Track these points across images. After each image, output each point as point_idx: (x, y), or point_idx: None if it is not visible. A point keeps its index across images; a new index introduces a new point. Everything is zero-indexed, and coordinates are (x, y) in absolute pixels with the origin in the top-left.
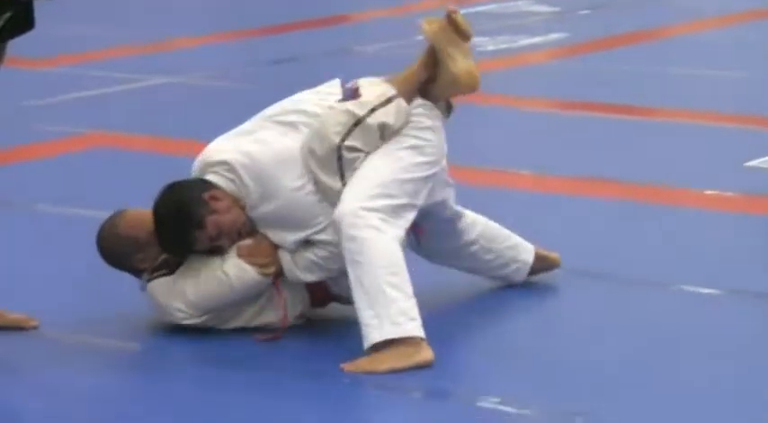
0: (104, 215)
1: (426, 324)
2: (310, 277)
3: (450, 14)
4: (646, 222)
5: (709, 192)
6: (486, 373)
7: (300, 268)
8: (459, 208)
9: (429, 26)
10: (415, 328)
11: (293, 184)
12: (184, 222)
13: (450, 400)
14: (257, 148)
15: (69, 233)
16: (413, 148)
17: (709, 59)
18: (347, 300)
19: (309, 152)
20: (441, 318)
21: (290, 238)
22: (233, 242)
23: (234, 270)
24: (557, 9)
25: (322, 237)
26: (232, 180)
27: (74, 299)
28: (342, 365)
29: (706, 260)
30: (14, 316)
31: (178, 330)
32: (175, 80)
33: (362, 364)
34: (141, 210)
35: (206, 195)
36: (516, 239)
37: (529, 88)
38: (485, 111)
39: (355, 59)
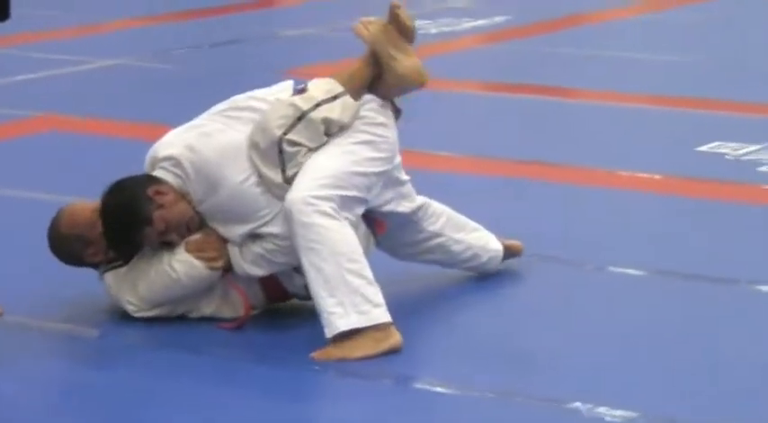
0: (57, 199)
1: (392, 310)
2: (257, 271)
3: (393, 10)
4: (588, 206)
5: (658, 176)
6: (450, 359)
7: (248, 262)
8: (421, 198)
9: (366, 29)
10: (381, 314)
11: (237, 177)
12: (131, 220)
13: (419, 385)
14: (202, 141)
15: (23, 217)
16: (366, 143)
17: (652, 43)
18: (305, 296)
19: (252, 145)
20: (406, 304)
21: (237, 231)
22: (182, 237)
23: (181, 265)
24: None
25: (268, 229)
26: (178, 175)
27: (32, 284)
28: (311, 354)
29: (658, 243)
30: None
31: (130, 317)
32: (118, 62)
33: (332, 351)
34: (81, 204)
35: (150, 191)
36: (482, 230)
37: (471, 72)
38: (426, 95)
39: (288, 43)
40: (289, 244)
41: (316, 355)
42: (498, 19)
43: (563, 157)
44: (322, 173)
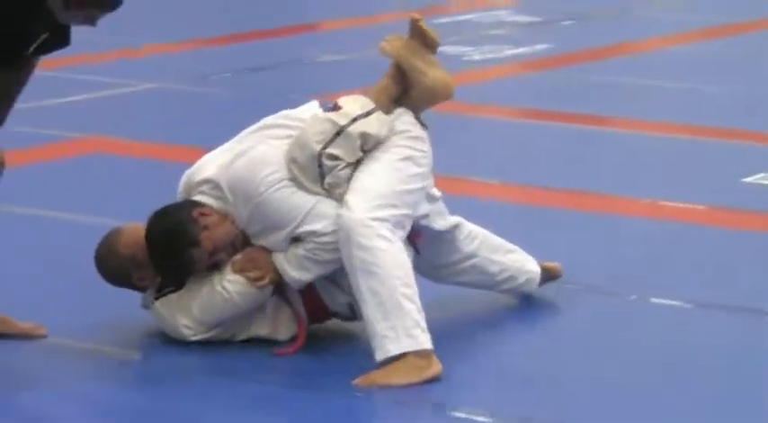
0: (101, 221)
1: (432, 336)
2: (305, 275)
3: (415, 23)
4: (631, 236)
5: (702, 207)
6: (490, 387)
7: (294, 268)
8: (455, 218)
9: (390, 45)
10: (427, 341)
11: (267, 180)
12: (179, 243)
13: (458, 414)
14: (236, 160)
15: (67, 239)
16: (408, 158)
17: (694, 73)
18: (347, 316)
19: (291, 160)
20: (445, 331)
21: (278, 237)
22: (230, 256)
23: (232, 285)
24: (538, 19)
25: (306, 228)
26: (218, 197)
27: (76, 306)
28: (354, 381)
29: (702, 275)
30: (23, 325)
31: (176, 341)
32: (160, 85)
33: (375, 378)
34: (138, 226)
35: (195, 213)
36: (518, 251)
37: (512, 99)
38: (468, 121)
39: (324, 68)
40: (329, 240)
41: (359, 381)
42: (540, 47)
43: (606, 186)
44: (374, 193)
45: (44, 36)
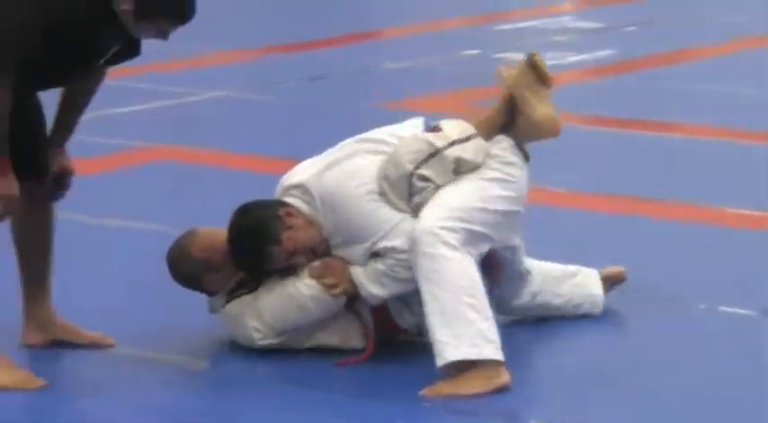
0: (166, 230)
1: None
2: (381, 291)
3: (532, 58)
4: (697, 244)
5: (759, 213)
6: (558, 399)
7: (372, 282)
8: (529, 261)
9: (507, 74)
10: (493, 351)
11: (355, 193)
12: (262, 238)
13: None
14: (330, 168)
15: (134, 248)
16: (497, 180)
17: (761, 78)
18: (414, 333)
19: (383, 177)
20: (512, 342)
21: (358, 251)
22: (309, 261)
23: (308, 290)
24: (601, 25)
25: (387, 243)
26: (307, 202)
27: (143, 315)
28: (421, 391)
29: (765, 282)
30: (91, 334)
31: (243, 349)
32: (223, 94)
33: (442, 388)
34: (213, 229)
35: (282, 211)
36: (580, 273)
37: (575, 106)
38: None
39: (387, 76)
40: (407, 257)
41: (425, 391)
42: (602, 53)
43: (670, 193)
44: (450, 205)
45: (116, 48)
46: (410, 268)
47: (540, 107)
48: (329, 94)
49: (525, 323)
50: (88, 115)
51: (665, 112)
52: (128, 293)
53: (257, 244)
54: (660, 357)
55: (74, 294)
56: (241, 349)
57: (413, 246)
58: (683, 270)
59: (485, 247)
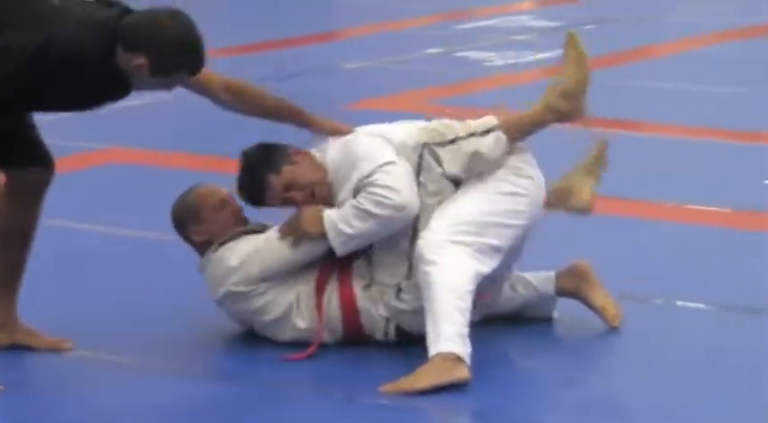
0: (118, 231)
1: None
2: (349, 230)
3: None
4: (656, 240)
5: (727, 210)
6: (527, 398)
7: (340, 219)
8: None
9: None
10: (461, 347)
11: (369, 135)
12: (263, 165)
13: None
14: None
15: (82, 248)
16: (510, 194)
17: (714, 76)
18: (381, 339)
19: (401, 142)
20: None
21: (348, 188)
22: (306, 199)
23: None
24: (561, 24)
25: (369, 178)
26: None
27: (96, 316)
28: (380, 387)
29: (726, 278)
30: (49, 339)
31: (201, 346)
32: (178, 94)
33: (400, 383)
34: (217, 188)
35: (291, 150)
36: (534, 274)
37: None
38: None
39: (351, 75)
40: (378, 190)
41: (385, 387)
42: (560, 52)
43: (629, 190)
44: (461, 218)
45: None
46: (378, 203)
47: (580, 179)
48: (288, 95)
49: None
50: (46, 118)
51: (624, 110)
52: (78, 293)
53: (258, 170)
54: (617, 351)
55: (30, 296)
56: (199, 347)
57: (419, 256)
58: (642, 265)
59: (495, 262)
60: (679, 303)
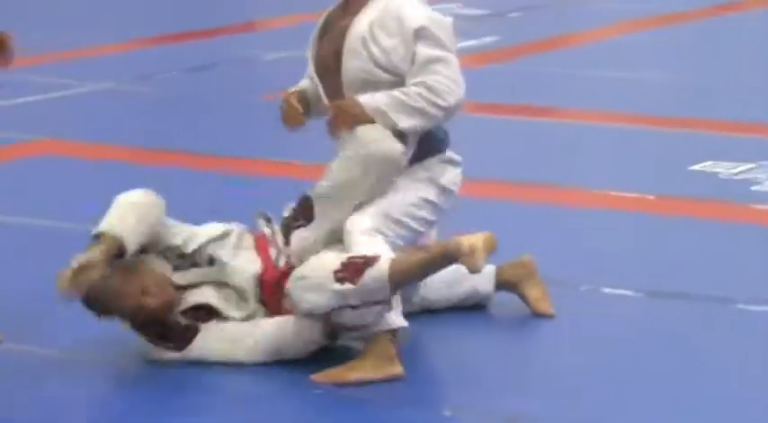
0: (51, 224)
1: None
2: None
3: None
4: (580, 226)
5: (651, 196)
6: (464, 385)
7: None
8: None
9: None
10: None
11: None
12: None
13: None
14: None
15: (14, 241)
16: (430, 203)
17: (640, 63)
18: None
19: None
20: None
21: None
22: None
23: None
24: (486, 12)
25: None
26: None
27: (31, 311)
28: (312, 376)
29: (651, 264)
30: None
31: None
32: (104, 87)
33: (332, 373)
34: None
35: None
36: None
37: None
38: None
39: (268, 66)
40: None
41: (316, 376)
42: (487, 39)
43: (555, 177)
44: (383, 210)
45: None
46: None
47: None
48: (210, 86)
49: (415, 315)
50: None
51: (547, 97)
52: (7, 287)
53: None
54: (543, 338)
55: None
56: (129, 339)
57: (346, 237)
58: (567, 252)
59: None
60: (605, 290)
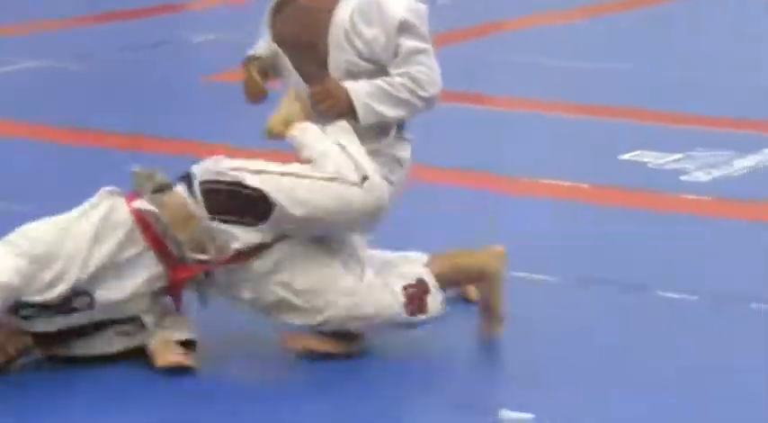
0: None
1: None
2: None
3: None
4: (510, 214)
5: (583, 185)
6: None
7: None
8: None
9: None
10: None
11: None
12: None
13: None
14: None
15: None
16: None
17: (575, 51)
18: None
19: None
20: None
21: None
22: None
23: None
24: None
25: None
26: None
27: None
28: (284, 333)
29: (582, 252)
30: None
31: None
32: (40, 64)
33: (303, 339)
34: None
35: None
36: (406, 261)
37: None
38: None
39: (200, 47)
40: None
41: (288, 339)
42: None
43: (486, 164)
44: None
45: None
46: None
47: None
48: (140, 66)
49: None
50: None
51: (477, 84)
52: None
53: None
54: (472, 325)
55: None
56: None
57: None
58: (500, 240)
59: None
60: (538, 277)
